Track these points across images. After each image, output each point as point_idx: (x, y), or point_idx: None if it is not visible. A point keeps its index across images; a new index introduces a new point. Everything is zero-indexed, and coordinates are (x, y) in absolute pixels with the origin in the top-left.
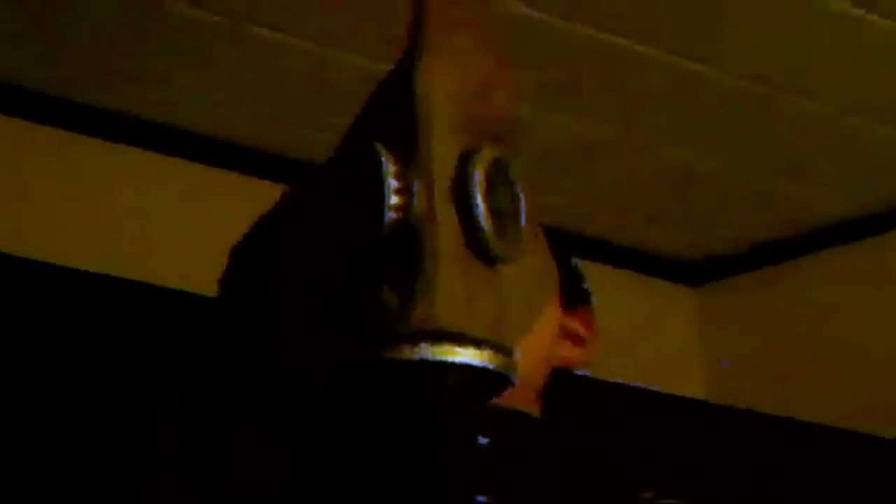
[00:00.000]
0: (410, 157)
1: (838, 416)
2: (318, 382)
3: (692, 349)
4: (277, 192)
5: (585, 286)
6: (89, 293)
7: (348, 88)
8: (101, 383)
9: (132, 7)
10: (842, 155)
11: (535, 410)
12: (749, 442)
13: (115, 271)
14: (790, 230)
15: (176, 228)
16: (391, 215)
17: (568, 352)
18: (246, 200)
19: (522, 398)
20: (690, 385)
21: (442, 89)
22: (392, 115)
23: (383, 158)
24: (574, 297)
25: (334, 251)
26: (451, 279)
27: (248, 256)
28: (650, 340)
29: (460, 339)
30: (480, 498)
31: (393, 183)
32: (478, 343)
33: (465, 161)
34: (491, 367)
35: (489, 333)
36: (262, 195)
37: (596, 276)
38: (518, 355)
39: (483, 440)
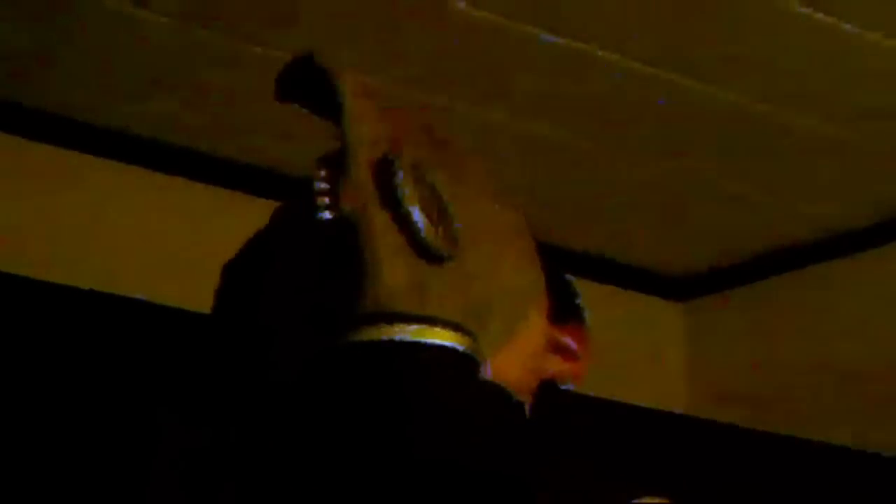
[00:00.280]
0: (340, 163)
1: (827, 432)
2: (293, 373)
3: (678, 364)
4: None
5: (579, 301)
6: (81, 310)
7: None
8: (101, 395)
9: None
10: (833, 166)
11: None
12: (735, 458)
13: (107, 288)
14: (779, 244)
15: (173, 246)
16: (324, 214)
17: (559, 366)
18: (242, 217)
19: None
20: (676, 401)
21: (362, 103)
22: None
23: (317, 164)
24: (566, 311)
25: (307, 255)
26: (393, 266)
27: (239, 272)
28: (636, 356)
29: (410, 319)
30: None
31: (321, 185)
32: (431, 321)
33: (388, 163)
34: (449, 345)
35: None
36: (260, 212)
37: (581, 290)
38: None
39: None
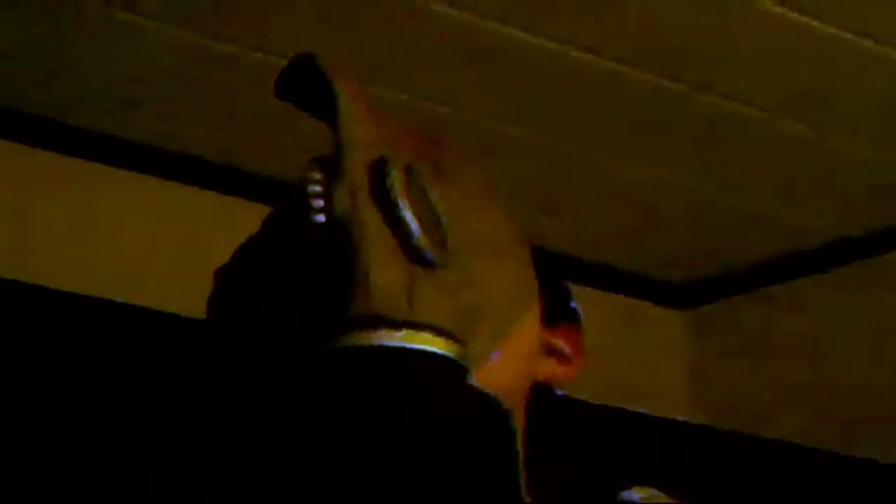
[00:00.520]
0: (334, 165)
1: (829, 440)
2: (285, 378)
3: (682, 373)
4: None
5: (573, 304)
6: (79, 315)
7: None
8: (99, 399)
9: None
10: (833, 175)
11: (518, 425)
12: (736, 465)
13: (107, 294)
14: (783, 252)
15: (171, 251)
16: (318, 217)
17: (553, 369)
18: (241, 223)
19: None
20: (679, 408)
21: (358, 106)
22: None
23: (310, 166)
24: (560, 314)
25: (300, 259)
26: (384, 269)
27: (232, 277)
28: (639, 364)
29: (398, 324)
30: None
31: (314, 187)
32: (419, 327)
33: (382, 166)
34: (436, 351)
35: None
36: (259, 218)
37: (583, 298)
38: (494, 356)
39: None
